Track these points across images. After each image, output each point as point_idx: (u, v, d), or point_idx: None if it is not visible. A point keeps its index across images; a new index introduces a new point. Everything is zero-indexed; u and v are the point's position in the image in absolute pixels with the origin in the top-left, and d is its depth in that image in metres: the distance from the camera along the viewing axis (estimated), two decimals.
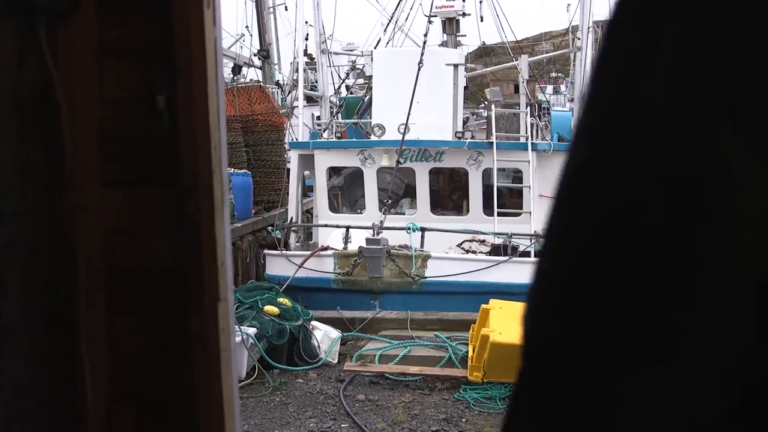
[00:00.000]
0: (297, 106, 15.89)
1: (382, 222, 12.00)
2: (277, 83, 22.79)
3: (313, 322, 8.60)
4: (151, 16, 1.85)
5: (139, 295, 1.90)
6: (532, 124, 13.65)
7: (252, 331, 7.36)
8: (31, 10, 1.72)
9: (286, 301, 8.60)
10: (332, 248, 12.32)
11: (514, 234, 12.05)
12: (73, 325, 1.86)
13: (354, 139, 14.82)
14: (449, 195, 14.54)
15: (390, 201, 12.66)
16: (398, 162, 12.70)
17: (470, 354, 8.33)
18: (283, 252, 12.63)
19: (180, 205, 1.84)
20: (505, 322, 7.89)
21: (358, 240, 12.17)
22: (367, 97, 16.01)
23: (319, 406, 6.31)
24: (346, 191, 14.67)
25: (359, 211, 14.36)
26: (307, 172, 14.86)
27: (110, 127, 1.88)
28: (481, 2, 18.69)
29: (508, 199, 13.44)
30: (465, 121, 15.74)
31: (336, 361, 8.25)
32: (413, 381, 8.09)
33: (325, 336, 8.49)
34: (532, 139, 13.21)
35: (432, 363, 8.58)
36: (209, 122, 1.82)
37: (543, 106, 19.18)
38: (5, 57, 1.69)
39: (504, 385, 7.72)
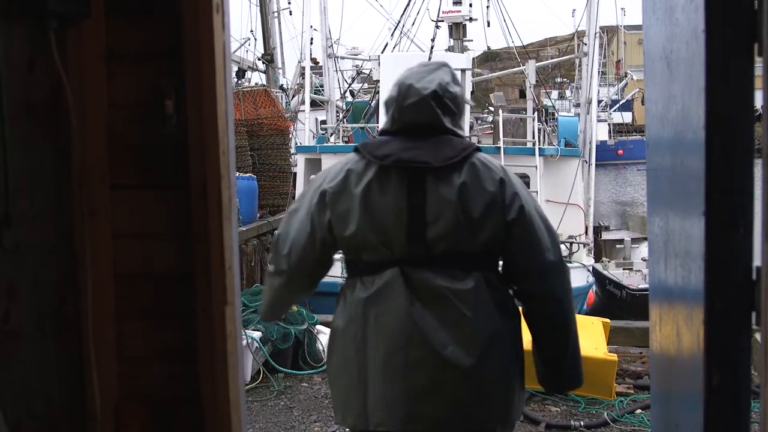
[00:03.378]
0: (302, 110, 15.85)
1: None
2: (281, 87, 22.77)
3: (318, 327, 8.57)
4: (160, 22, 1.86)
5: (148, 298, 1.91)
6: (539, 129, 13.57)
7: (257, 334, 7.34)
8: (42, 15, 1.73)
9: None
10: (339, 252, 12.27)
11: None
12: (82, 327, 1.87)
13: None
14: None
15: None
16: None
17: None
18: None
19: (188, 209, 1.85)
20: None
21: None
22: (374, 101, 15.99)
23: (323, 410, 6.29)
24: None
25: None
26: (313, 177, 14.77)
27: (119, 131, 1.88)
28: (488, 7, 18.71)
29: None
30: (470, 127, 15.69)
31: None
32: None
33: None
34: (539, 144, 13.14)
35: None
36: (218, 127, 1.83)
37: (550, 111, 19.14)
38: (16, 61, 1.70)
39: None
